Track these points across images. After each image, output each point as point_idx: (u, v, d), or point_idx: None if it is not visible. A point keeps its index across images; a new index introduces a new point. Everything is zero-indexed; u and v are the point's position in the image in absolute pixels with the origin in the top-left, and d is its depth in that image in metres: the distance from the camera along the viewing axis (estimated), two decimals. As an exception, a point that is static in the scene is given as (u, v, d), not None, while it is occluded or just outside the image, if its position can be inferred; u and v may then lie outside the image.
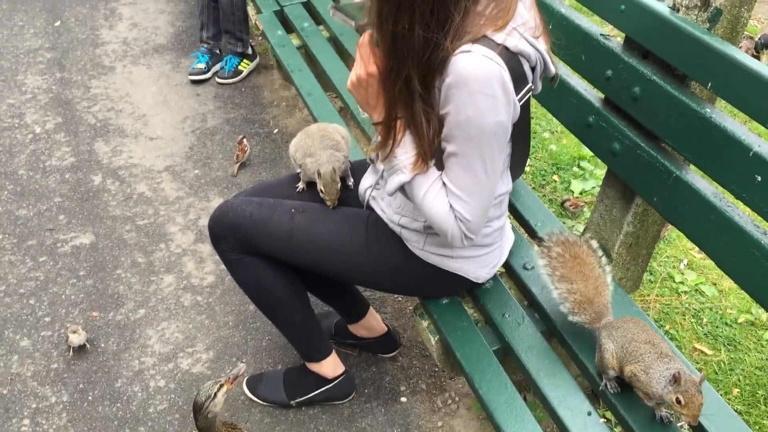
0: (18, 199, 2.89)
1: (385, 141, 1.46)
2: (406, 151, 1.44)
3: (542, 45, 1.38)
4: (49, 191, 2.92)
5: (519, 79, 1.33)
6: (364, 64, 1.43)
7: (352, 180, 1.90)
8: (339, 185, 1.77)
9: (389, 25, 1.31)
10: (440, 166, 1.44)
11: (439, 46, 1.28)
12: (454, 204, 1.41)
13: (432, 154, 1.42)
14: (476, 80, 1.28)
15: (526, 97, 1.38)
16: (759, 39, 3.23)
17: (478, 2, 1.31)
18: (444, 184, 1.43)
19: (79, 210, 2.83)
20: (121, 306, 2.41)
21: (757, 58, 3.23)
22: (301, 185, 1.87)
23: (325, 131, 1.88)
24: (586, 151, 3.02)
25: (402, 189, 1.50)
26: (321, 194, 1.77)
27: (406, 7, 1.26)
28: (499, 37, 1.29)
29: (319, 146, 1.83)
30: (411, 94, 1.35)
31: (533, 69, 1.37)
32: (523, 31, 1.33)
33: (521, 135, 1.49)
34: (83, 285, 2.49)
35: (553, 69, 1.42)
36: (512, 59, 1.31)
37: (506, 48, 1.29)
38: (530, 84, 1.38)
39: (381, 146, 1.47)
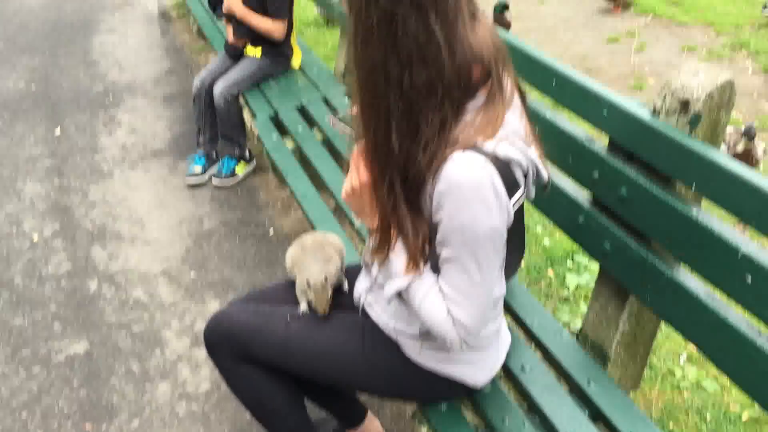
0: (13, 308, 2.88)
1: (380, 248, 1.48)
2: (400, 256, 1.46)
3: (534, 152, 1.42)
4: (44, 299, 2.92)
5: (511, 185, 1.36)
6: (357, 173, 1.47)
7: (346, 284, 1.91)
8: (329, 295, 1.77)
9: (371, 136, 1.36)
10: (437, 271, 1.45)
11: (414, 157, 1.33)
12: (452, 309, 1.42)
13: (423, 259, 1.44)
14: (468, 187, 1.31)
15: (520, 202, 1.41)
16: (745, 127, 3.34)
17: (467, 111, 1.36)
18: (441, 289, 1.44)
19: (74, 317, 2.81)
20: (115, 417, 2.37)
21: (749, 146, 3.31)
22: (303, 306, 1.85)
23: (320, 244, 1.89)
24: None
25: (399, 295, 1.51)
26: (311, 306, 1.77)
27: (383, 119, 1.32)
28: (489, 145, 1.33)
29: (311, 259, 1.84)
30: (397, 202, 1.39)
31: (525, 175, 1.41)
32: (514, 139, 1.37)
33: (515, 238, 1.51)
34: (77, 396, 2.45)
35: (545, 175, 1.46)
36: (503, 166, 1.34)
37: (496, 155, 1.33)
38: (523, 189, 1.41)
39: (376, 252, 1.49)
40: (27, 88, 4.87)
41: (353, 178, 1.47)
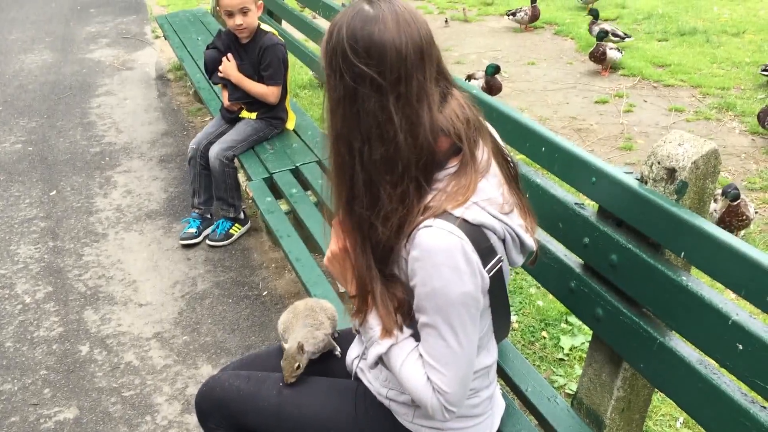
0: (3, 373, 2.85)
1: (359, 313, 1.51)
2: (378, 321, 1.47)
3: (515, 220, 1.44)
4: (35, 363, 2.89)
5: (486, 251, 1.38)
6: (338, 239, 1.50)
7: (339, 350, 1.91)
8: (299, 364, 1.76)
9: (339, 201, 1.42)
10: (418, 338, 1.46)
11: (376, 226, 1.36)
12: (431, 375, 1.42)
13: (397, 325, 1.46)
14: (438, 253, 1.33)
15: (496, 268, 1.41)
16: (722, 189, 3.40)
17: (439, 180, 1.39)
18: (421, 355, 1.44)
19: (64, 383, 2.78)
20: (103, 486, 2.33)
21: (731, 206, 3.36)
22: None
23: (312, 310, 1.90)
24: (573, 306, 3.04)
25: (382, 360, 1.51)
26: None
27: (348, 186, 1.37)
28: (458, 212, 1.36)
29: (300, 324, 1.84)
30: (369, 267, 1.42)
31: (504, 241, 1.43)
32: (485, 205, 1.39)
33: (498, 302, 1.51)
34: (65, 464, 2.41)
35: (531, 243, 1.47)
36: (474, 231, 1.36)
37: (465, 220, 1.35)
38: (500, 255, 1.42)
39: (355, 316, 1.52)
40: (24, 150, 4.91)
41: (333, 243, 1.51)
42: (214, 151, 3.54)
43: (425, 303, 1.38)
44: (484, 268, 1.37)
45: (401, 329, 1.45)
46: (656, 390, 1.99)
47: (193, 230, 3.72)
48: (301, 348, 1.76)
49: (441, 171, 1.40)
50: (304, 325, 1.85)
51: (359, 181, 1.35)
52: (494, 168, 1.45)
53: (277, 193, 3.33)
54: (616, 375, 1.81)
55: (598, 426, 1.86)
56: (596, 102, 5.52)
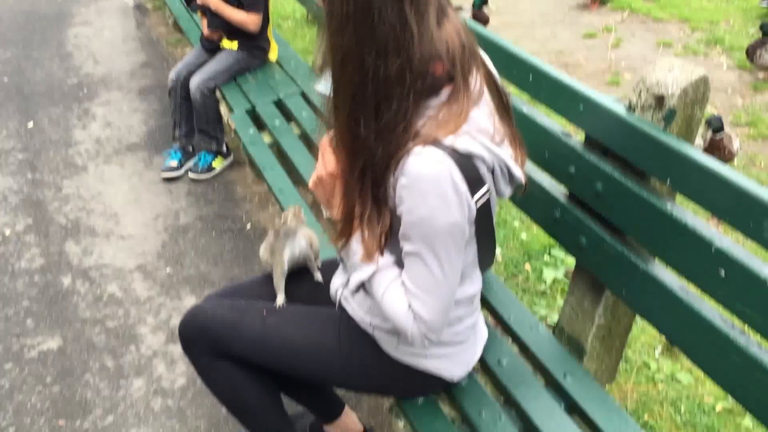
0: (-15, 303, 2.84)
1: (341, 236, 1.50)
2: (362, 247, 1.46)
3: (505, 151, 1.42)
4: (17, 295, 2.88)
5: (474, 181, 1.36)
6: (325, 163, 1.48)
7: (320, 276, 1.90)
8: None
9: (340, 123, 1.38)
10: (401, 265, 1.45)
11: (377, 145, 1.34)
12: (413, 303, 1.42)
13: (379, 250, 1.45)
14: (426, 181, 1.31)
15: (484, 198, 1.40)
16: (707, 120, 3.40)
17: (430, 107, 1.36)
18: (403, 282, 1.44)
19: (47, 313, 2.78)
20: (89, 413, 2.34)
21: (715, 137, 3.37)
22: (280, 300, 1.84)
23: (291, 231, 1.89)
24: (556, 240, 3.06)
25: (364, 287, 1.51)
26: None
27: (353, 107, 1.34)
28: (448, 140, 1.33)
29: (284, 242, 1.84)
30: (362, 191, 1.40)
31: (492, 172, 1.41)
32: (476, 135, 1.36)
33: (484, 233, 1.50)
34: (50, 392, 2.42)
35: (519, 175, 1.45)
36: (464, 161, 1.34)
37: (455, 149, 1.33)
38: (488, 185, 1.40)
39: (337, 240, 1.51)
40: (-1, 81, 4.79)
41: (320, 167, 1.48)
42: (194, 81, 3.47)
43: (411, 231, 1.36)
44: (472, 198, 1.35)
45: (382, 254, 1.45)
46: (636, 320, 2.02)
47: (174, 163, 3.68)
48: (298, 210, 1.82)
49: (433, 98, 1.36)
50: (286, 240, 1.85)
51: (366, 100, 1.31)
52: (486, 97, 1.42)
53: (260, 125, 3.28)
54: (598, 303, 1.82)
55: (579, 353, 1.89)
56: (584, 36, 5.44)
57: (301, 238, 1.85)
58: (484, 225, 1.45)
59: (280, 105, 3.37)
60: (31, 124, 4.23)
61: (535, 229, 3.18)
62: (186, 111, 3.64)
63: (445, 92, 1.36)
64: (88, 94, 4.62)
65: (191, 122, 3.67)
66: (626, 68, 4.89)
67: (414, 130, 1.34)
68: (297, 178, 2.84)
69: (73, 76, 4.86)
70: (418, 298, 1.41)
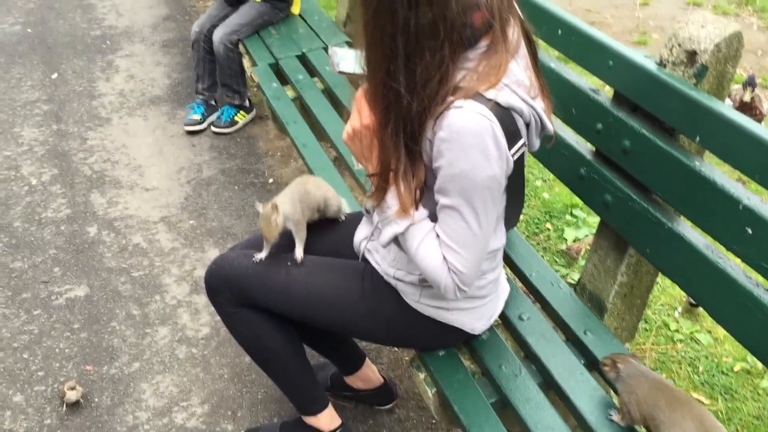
0: (13, 251, 2.89)
1: (378, 192, 1.48)
2: (396, 200, 1.46)
3: (539, 104, 1.41)
4: (44, 243, 2.93)
5: (512, 135, 1.36)
6: (360, 116, 1.47)
7: (343, 215, 1.93)
8: (277, 222, 1.74)
9: (375, 77, 1.37)
10: (434, 218, 1.46)
11: (413, 99, 1.33)
12: (447, 256, 1.43)
13: (414, 205, 1.45)
14: (468, 135, 1.31)
15: (520, 152, 1.40)
16: (747, 78, 3.33)
17: (469, 59, 1.35)
18: (438, 236, 1.45)
19: (74, 262, 2.83)
20: (115, 359, 2.40)
21: (743, 98, 3.32)
22: (261, 255, 1.81)
23: (301, 185, 1.89)
24: (579, 199, 3.05)
25: (396, 240, 1.52)
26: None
27: (387, 60, 1.32)
28: (490, 94, 1.32)
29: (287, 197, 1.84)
30: (397, 145, 1.39)
31: (528, 125, 1.40)
32: (516, 88, 1.36)
33: (515, 189, 1.51)
34: (77, 338, 2.48)
35: (551, 127, 1.45)
36: (504, 115, 1.34)
37: (497, 103, 1.33)
38: (524, 140, 1.40)
39: (373, 196, 1.50)
40: (23, 31, 4.79)
41: (355, 120, 1.47)
42: (218, 35, 3.45)
43: (449, 185, 1.36)
44: (509, 151, 1.35)
45: (417, 208, 1.45)
46: (657, 280, 2.02)
47: (197, 116, 3.68)
48: (275, 207, 1.74)
49: (472, 50, 1.35)
50: (284, 194, 1.85)
51: (400, 53, 1.30)
52: (522, 49, 1.41)
53: (282, 79, 3.27)
54: (621, 261, 1.82)
55: (600, 310, 1.89)
56: (612, -6, 5.33)
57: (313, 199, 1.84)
58: (515, 180, 1.46)
59: (303, 59, 3.35)
60: (55, 75, 4.25)
61: (558, 188, 3.17)
62: (209, 64, 3.63)
63: (484, 44, 1.35)
64: (111, 46, 4.62)
65: (214, 76, 3.67)
66: (654, 28, 4.80)
67: (452, 84, 1.33)
68: (320, 133, 2.83)
69: (96, 28, 4.86)
70: (453, 250, 1.42)
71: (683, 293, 2.57)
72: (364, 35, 1.35)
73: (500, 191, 1.40)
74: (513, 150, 1.37)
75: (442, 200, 1.40)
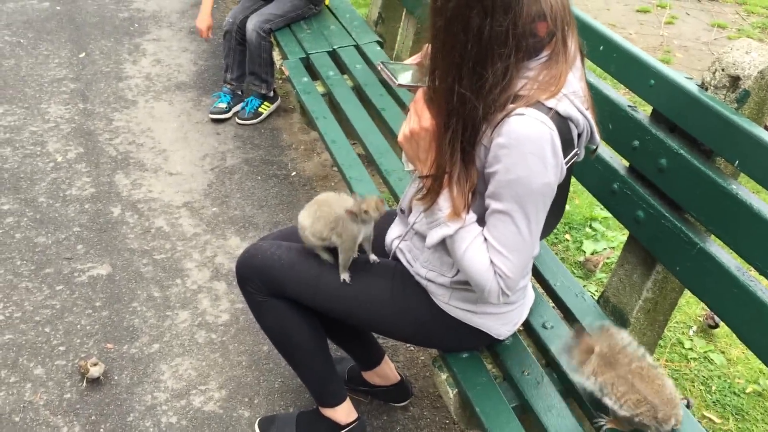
0: (37, 226, 2.92)
1: (429, 193, 1.50)
2: (448, 203, 1.48)
3: (590, 115, 1.45)
4: (68, 220, 2.96)
5: (567, 144, 1.39)
6: (419, 118, 1.48)
7: (374, 257, 1.85)
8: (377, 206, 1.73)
9: (441, 82, 1.39)
10: (482, 223, 1.49)
11: (477, 105, 1.36)
12: (496, 260, 1.46)
13: (467, 208, 1.47)
14: (528, 142, 1.34)
15: (573, 161, 1.44)
16: None
17: (530, 68, 1.38)
18: (486, 239, 1.47)
19: (97, 240, 2.86)
20: (135, 339, 2.43)
21: None
22: (346, 277, 1.79)
23: (369, 220, 1.78)
24: (598, 213, 3.08)
25: (442, 242, 1.54)
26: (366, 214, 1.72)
27: (456, 66, 1.35)
28: (551, 103, 1.36)
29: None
30: (455, 149, 1.42)
31: (579, 136, 1.44)
32: (573, 99, 1.39)
33: (558, 199, 1.54)
34: (99, 316, 2.51)
35: (598, 139, 1.49)
36: (562, 124, 1.37)
37: (557, 113, 1.36)
38: (576, 149, 1.44)
39: (424, 198, 1.52)
40: (52, 8, 4.83)
41: (413, 122, 1.48)
42: (252, 23, 3.49)
43: (504, 190, 1.39)
44: (563, 159, 1.39)
45: (468, 211, 1.48)
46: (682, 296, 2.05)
47: (223, 105, 3.72)
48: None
49: (533, 59, 1.38)
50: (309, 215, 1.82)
51: (470, 59, 1.32)
52: (578, 61, 1.44)
53: (313, 74, 3.30)
54: (648, 276, 1.85)
55: (623, 323, 1.92)
56: (637, 11, 5.36)
57: (371, 225, 1.79)
58: (561, 189, 1.48)
59: (333, 56, 3.38)
60: (83, 55, 4.28)
61: (578, 200, 3.20)
62: (239, 55, 3.67)
63: (545, 53, 1.38)
64: (138, 29, 4.66)
65: (243, 67, 3.71)
66: (678, 47, 4.82)
67: (513, 91, 1.36)
68: (349, 130, 2.86)
69: (124, 11, 4.89)
70: (502, 255, 1.45)
71: (698, 313, 2.60)
72: (434, 42, 1.38)
73: (551, 199, 1.43)
74: (566, 159, 1.40)
75: (494, 205, 1.42)
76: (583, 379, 1.56)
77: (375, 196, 1.75)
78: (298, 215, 1.83)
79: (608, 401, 1.52)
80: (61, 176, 3.23)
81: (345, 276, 1.78)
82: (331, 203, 1.82)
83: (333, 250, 1.80)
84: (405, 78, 1.57)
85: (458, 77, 1.35)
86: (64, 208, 3.03)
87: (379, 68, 1.67)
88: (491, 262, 1.46)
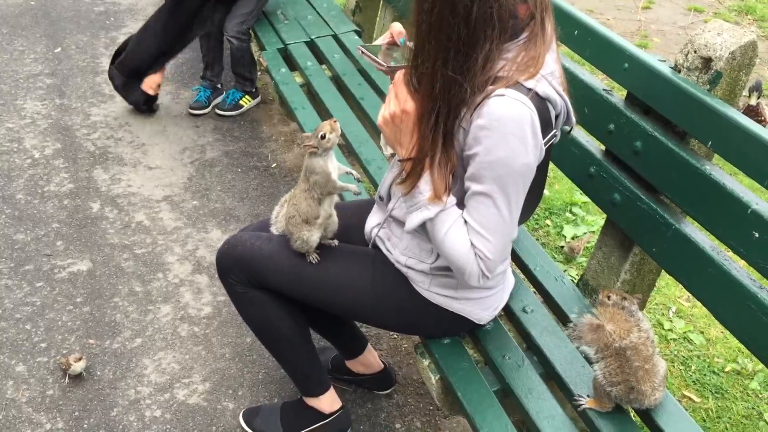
0: (15, 223, 2.89)
1: (410, 177, 1.49)
2: (429, 186, 1.48)
3: (566, 96, 1.46)
4: (47, 216, 2.94)
5: (546, 125, 1.40)
6: (399, 101, 1.47)
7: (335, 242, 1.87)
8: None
9: (426, 65, 1.39)
10: (461, 206, 1.49)
11: (461, 87, 1.36)
12: (476, 242, 1.46)
13: (447, 191, 1.48)
14: (509, 122, 1.35)
15: (551, 142, 1.45)
16: (751, 84, 3.39)
17: (509, 50, 1.38)
18: (466, 222, 1.48)
19: (76, 236, 2.84)
20: (117, 334, 2.42)
21: (749, 102, 3.38)
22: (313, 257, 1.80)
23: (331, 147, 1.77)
24: (578, 197, 3.10)
25: (422, 226, 1.54)
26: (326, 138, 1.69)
27: (442, 49, 1.35)
28: (530, 83, 1.37)
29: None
30: (437, 132, 1.42)
31: (557, 116, 1.45)
32: (551, 80, 1.40)
33: (537, 181, 1.54)
34: (80, 312, 2.50)
35: (574, 120, 1.50)
36: (541, 105, 1.39)
37: (536, 93, 1.37)
38: (555, 130, 1.45)
39: (404, 182, 1.51)
40: (26, 3, 4.76)
41: (393, 105, 1.47)
42: (229, 30, 3.44)
43: (485, 172, 1.39)
44: (542, 140, 1.40)
45: (449, 194, 1.48)
46: (660, 277, 2.07)
47: (203, 100, 3.70)
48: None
49: (512, 42, 1.39)
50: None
51: (457, 42, 1.33)
52: (554, 43, 1.45)
53: (291, 64, 3.28)
54: (626, 259, 1.87)
55: (602, 306, 1.94)
56: (615, -4, 5.39)
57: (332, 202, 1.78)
58: (539, 172, 1.49)
59: (311, 46, 3.37)
60: (58, 50, 4.23)
61: (557, 186, 3.22)
62: (218, 53, 3.65)
63: (524, 35, 1.39)
64: (114, 22, 4.61)
65: (221, 62, 3.70)
66: (655, 32, 4.85)
67: (493, 73, 1.36)
68: (327, 119, 2.85)
69: (99, 4, 4.84)
70: (482, 237, 1.45)
71: (678, 294, 2.63)
72: (418, 24, 1.37)
73: (530, 180, 1.44)
74: (545, 139, 1.41)
75: (474, 187, 1.43)
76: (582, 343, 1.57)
77: (326, 121, 1.72)
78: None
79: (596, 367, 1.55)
80: (39, 172, 3.20)
81: (312, 258, 1.77)
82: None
83: (320, 247, 1.80)
84: (393, 59, 1.57)
85: (445, 60, 1.35)
86: (43, 205, 3.00)
87: (359, 53, 1.66)
88: (471, 244, 1.47)
